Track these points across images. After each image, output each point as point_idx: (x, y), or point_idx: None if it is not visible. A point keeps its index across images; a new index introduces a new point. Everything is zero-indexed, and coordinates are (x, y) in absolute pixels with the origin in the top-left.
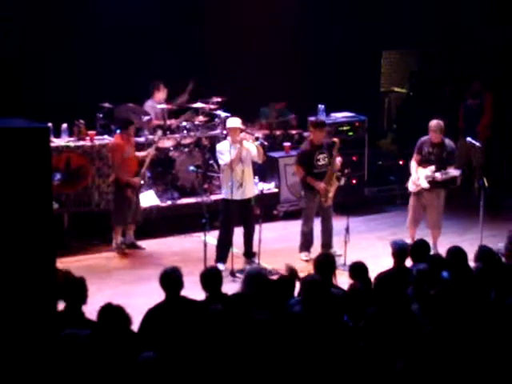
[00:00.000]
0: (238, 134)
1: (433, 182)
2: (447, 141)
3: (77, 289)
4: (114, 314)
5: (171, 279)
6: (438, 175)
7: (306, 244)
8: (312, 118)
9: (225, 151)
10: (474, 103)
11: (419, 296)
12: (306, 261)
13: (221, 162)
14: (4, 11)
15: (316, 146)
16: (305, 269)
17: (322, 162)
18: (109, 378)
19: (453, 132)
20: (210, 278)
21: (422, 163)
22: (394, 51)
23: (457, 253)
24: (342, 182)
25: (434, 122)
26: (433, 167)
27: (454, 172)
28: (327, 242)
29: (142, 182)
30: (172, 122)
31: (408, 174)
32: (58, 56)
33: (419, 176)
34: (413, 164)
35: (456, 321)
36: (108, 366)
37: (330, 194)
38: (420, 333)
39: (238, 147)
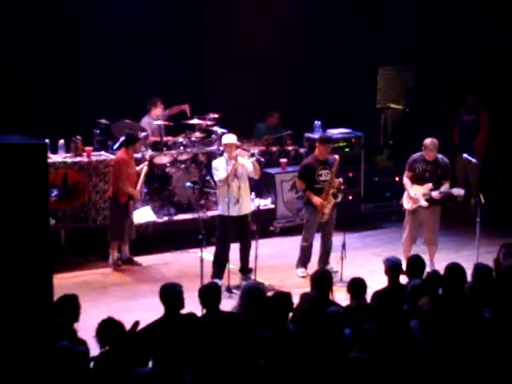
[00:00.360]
0: (233, 150)
1: (431, 200)
2: (440, 156)
3: (69, 306)
4: (113, 328)
5: (171, 294)
6: (434, 194)
7: (303, 259)
8: (309, 134)
9: (220, 167)
10: (470, 119)
11: (416, 312)
12: (303, 277)
13: (216, 178)
14: (4, 11)
15: (320, 161)
16: (301, 285)
17: (323, 178)
18: None
19: (449, 148)
20: (209, 294)
21: (417, 181)
22: (389, 67)
23: (454, 269)
24: (339, 198)
25: (428, 141)
26: (430, 185)
27: (458, 191)
28: (324, 258)
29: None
30: (169, 139)
31: (404, 191)
32: (58, 59)
33: (416, 193)
34: (406, 181)
35: (448, 337)
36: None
37: (326, 210)
38: (417, 350)
39: (232, 163)
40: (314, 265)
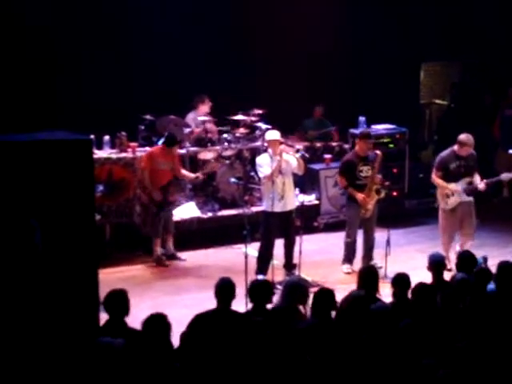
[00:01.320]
0: (277, 147)
1: (472, 193)
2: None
3: (119, 301)
4: (158, 323)
5: (228, 288)
6: (481, 186)
7: (348, 256)
8: (353, 130)
9: (264, 164)
10: None
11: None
12: (348, 273)
13: (260, 174)
14: (44, 12)
15: (360, 158)
16: (345, 281)
17: (364, 174)
18: None
19: (492, 143)
20: (260, 290)
21: (451, 178)
22: (434, 63)
23: (507, 267)
24: (382, 194)
25: (467, 137)
26: (467, 179)
27: (508, 175)
28: (368, 255)
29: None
30: (213, 133)
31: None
32: (107, 57)
33: (456, 191)
34: (440, 181)
35: (485, 335)
36: (142, 374)
37: (369, 206)
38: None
39: (277, 159)
40: (358, 261)
